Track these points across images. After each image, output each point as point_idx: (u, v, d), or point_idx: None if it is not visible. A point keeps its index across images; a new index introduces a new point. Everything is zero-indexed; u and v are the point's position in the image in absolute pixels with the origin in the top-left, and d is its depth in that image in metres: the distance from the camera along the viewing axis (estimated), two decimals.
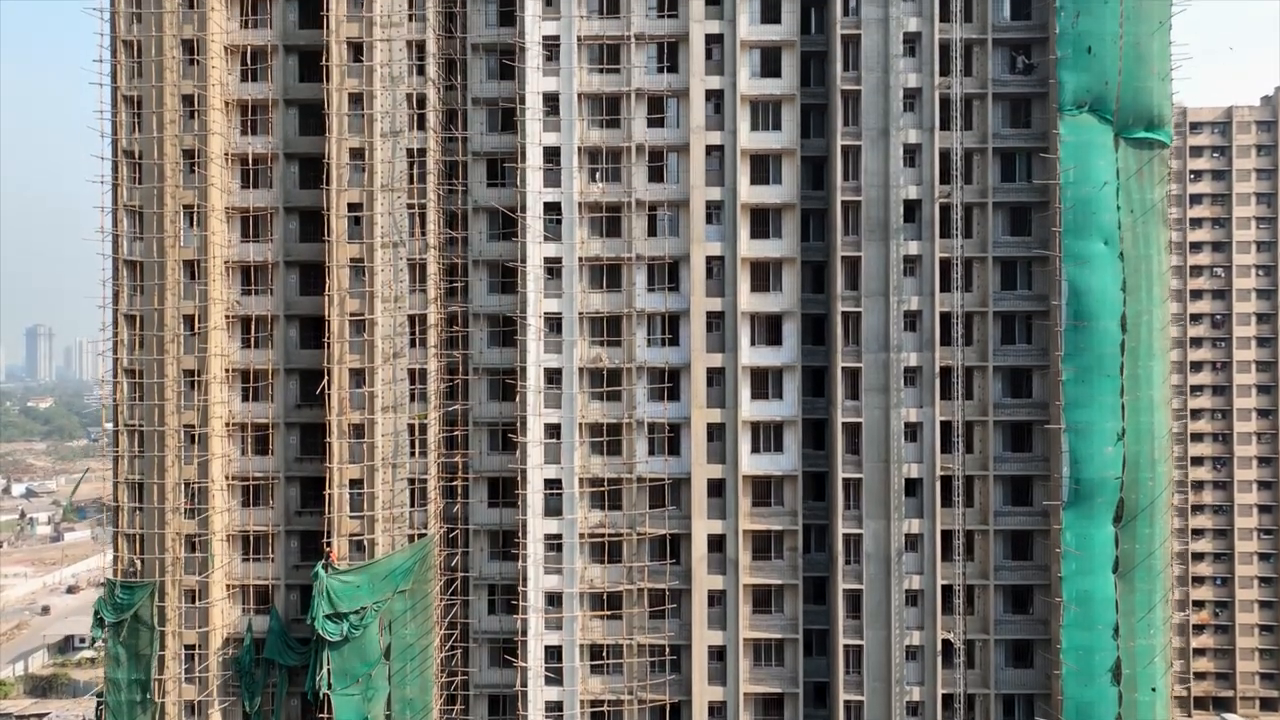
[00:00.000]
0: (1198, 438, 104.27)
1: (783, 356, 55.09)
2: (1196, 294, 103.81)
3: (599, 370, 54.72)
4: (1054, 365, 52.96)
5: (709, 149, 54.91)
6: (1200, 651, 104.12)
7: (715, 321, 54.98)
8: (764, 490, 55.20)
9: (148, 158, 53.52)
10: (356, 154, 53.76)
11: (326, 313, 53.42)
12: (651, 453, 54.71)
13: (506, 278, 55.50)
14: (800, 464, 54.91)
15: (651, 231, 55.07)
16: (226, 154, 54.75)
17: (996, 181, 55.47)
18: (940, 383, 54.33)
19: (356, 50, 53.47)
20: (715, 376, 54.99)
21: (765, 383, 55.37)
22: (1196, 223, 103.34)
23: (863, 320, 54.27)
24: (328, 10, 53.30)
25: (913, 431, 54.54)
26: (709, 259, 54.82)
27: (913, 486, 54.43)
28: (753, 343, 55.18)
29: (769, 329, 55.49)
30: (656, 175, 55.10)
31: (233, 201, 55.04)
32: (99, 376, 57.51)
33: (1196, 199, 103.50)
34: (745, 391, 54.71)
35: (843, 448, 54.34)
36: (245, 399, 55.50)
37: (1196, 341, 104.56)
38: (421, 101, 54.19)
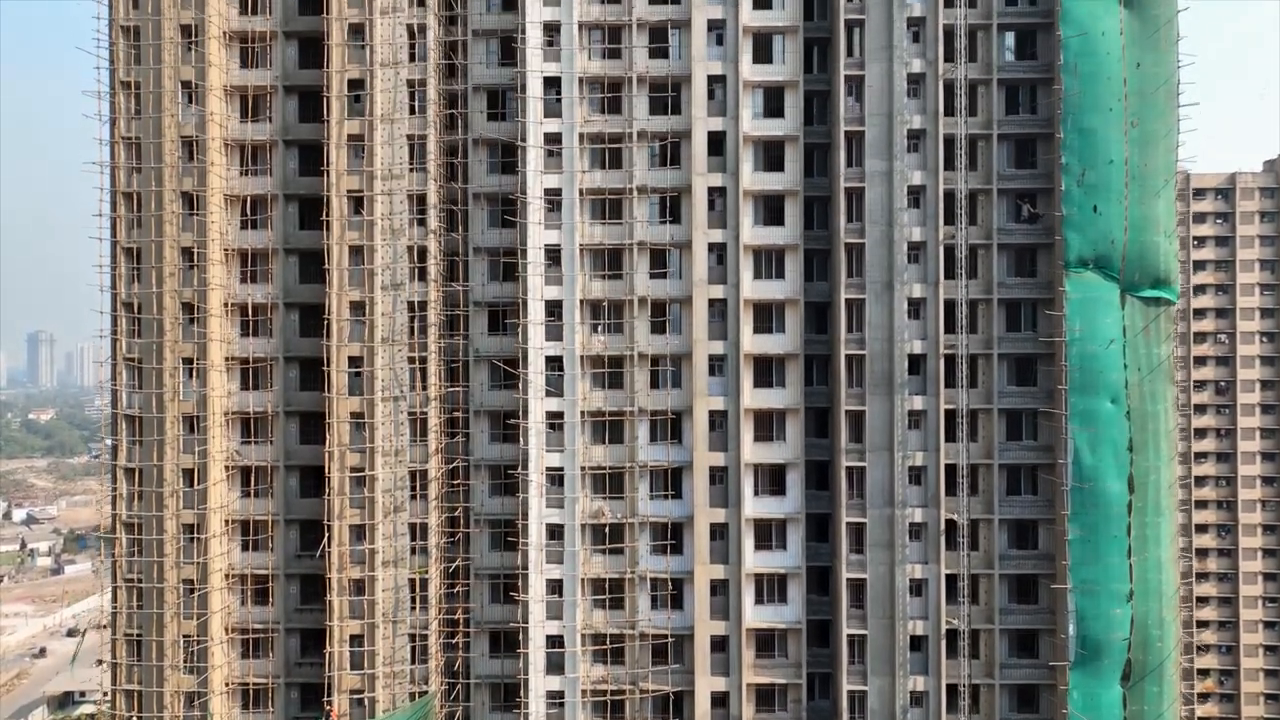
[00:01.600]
0: (1201, 507, 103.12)
1: (786, 507, 54.78)
2: (1201, 361, 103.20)
3: (601, 526, 54.47)
4: (1060, 522, 52.49)
5: (712, 301, 54.78)
6: None
7: (719, 529, 54.93)
8: (767, 643, 54.93)
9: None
10: (357, 308, 53.76)
11: (326, 467, 53.20)
12: (654, 607, 54.36)
13: (508, 429, 55.04)
14: (804, 614, 54.55)
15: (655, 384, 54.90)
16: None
17: (1001, 332, 55.03)
18: (945, 539, 53.95)
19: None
20: (718, 530, 54.66)
21: (769, 534, 55.07)
22: (1200, 289, 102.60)
23: (867, 475, 53.98)
24: (328, 164, 53.13)
25: (918, 587, 54.14)
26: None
27: (918, 642, 54.14)
28: (757, 493, 54.99)
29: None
30: (659, 328, 54.77)
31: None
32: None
33: (1200, 265, 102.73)
34: (749, 547, 54.51)
35: (847, 601, 54.04)
36: (245, 549, 55.15)
37: (1200, 409, 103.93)
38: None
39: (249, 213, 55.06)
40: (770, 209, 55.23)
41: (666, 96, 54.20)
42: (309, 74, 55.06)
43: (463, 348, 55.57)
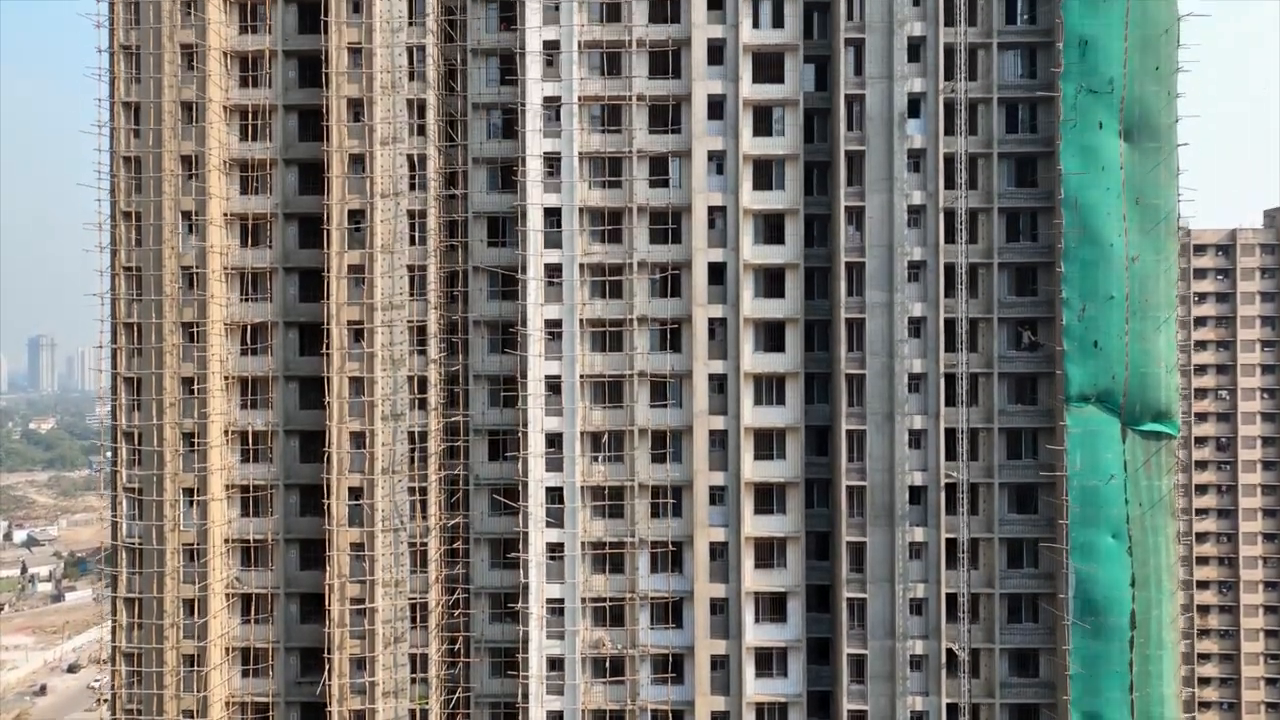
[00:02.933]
0: (1202, 561, 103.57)
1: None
2: (1201, 417, 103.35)
3: (601, 659, 54.50)
4: (1060, 655, 52.45)
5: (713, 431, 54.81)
6: None
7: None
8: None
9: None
10: (357, 437, 53.80)
11: (327, 599, 53.24)
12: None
13: (508, 558, 55.15)
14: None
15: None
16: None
17: (1003, 459, 54.98)
18: (946, 667, 54.08)
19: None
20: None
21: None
22: (1201, 345, 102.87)
23: (868, 605, 54.01)
24: (328, 295, 53.06)
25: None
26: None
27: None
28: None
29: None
30: (660, 458, 54.74)
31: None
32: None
33: (1201, 321, 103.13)
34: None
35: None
36: (246, 675, 55.12)
37: (1201, 465, 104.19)
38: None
39: (250, 340, 55.27)
40: (770, 335, 55.31)
41: (666, 228, 54.30)
42: (310, 200, 55.22)
43: (463, 477, 55.54)
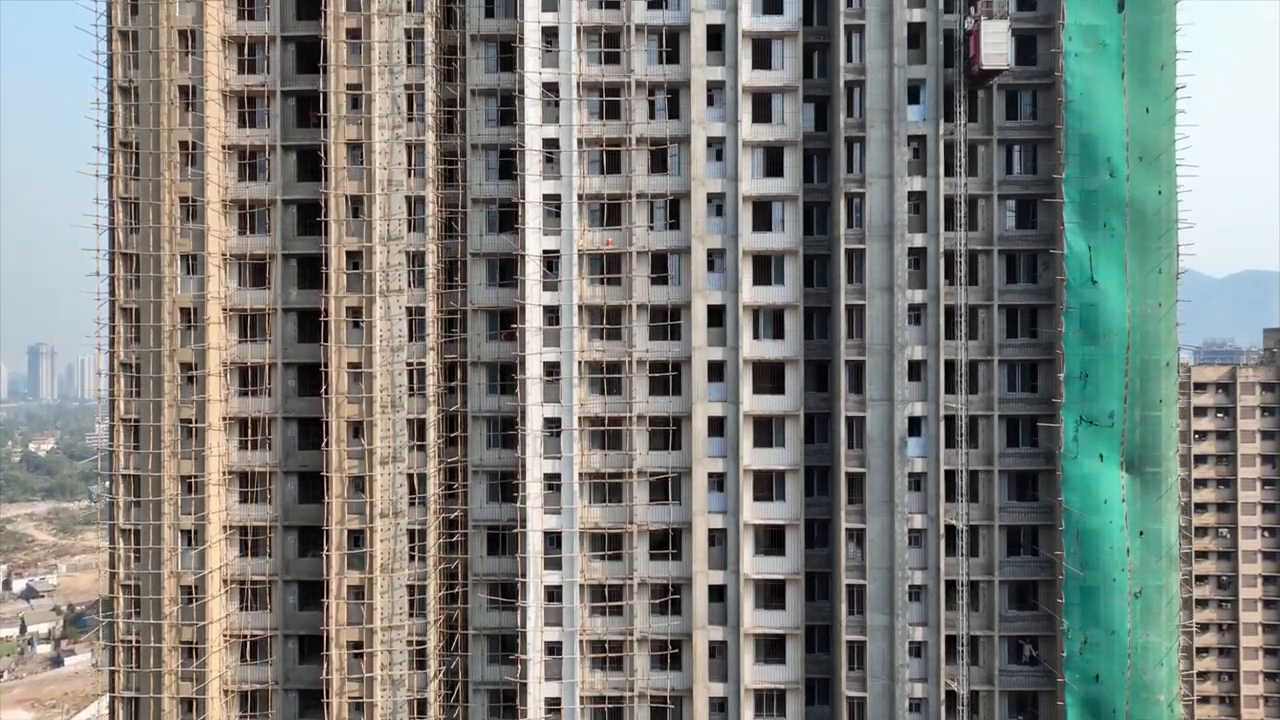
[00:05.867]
0: (1204, 700, 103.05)
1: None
2: (1202, 555, 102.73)
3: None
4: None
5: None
6: None
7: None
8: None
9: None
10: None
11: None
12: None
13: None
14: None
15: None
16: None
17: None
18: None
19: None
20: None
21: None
22: (1201, 483, 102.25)
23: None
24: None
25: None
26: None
27: None
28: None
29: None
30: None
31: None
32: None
33: (1201, 459, 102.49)
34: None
35: None
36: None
37: (1202, 603, 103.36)
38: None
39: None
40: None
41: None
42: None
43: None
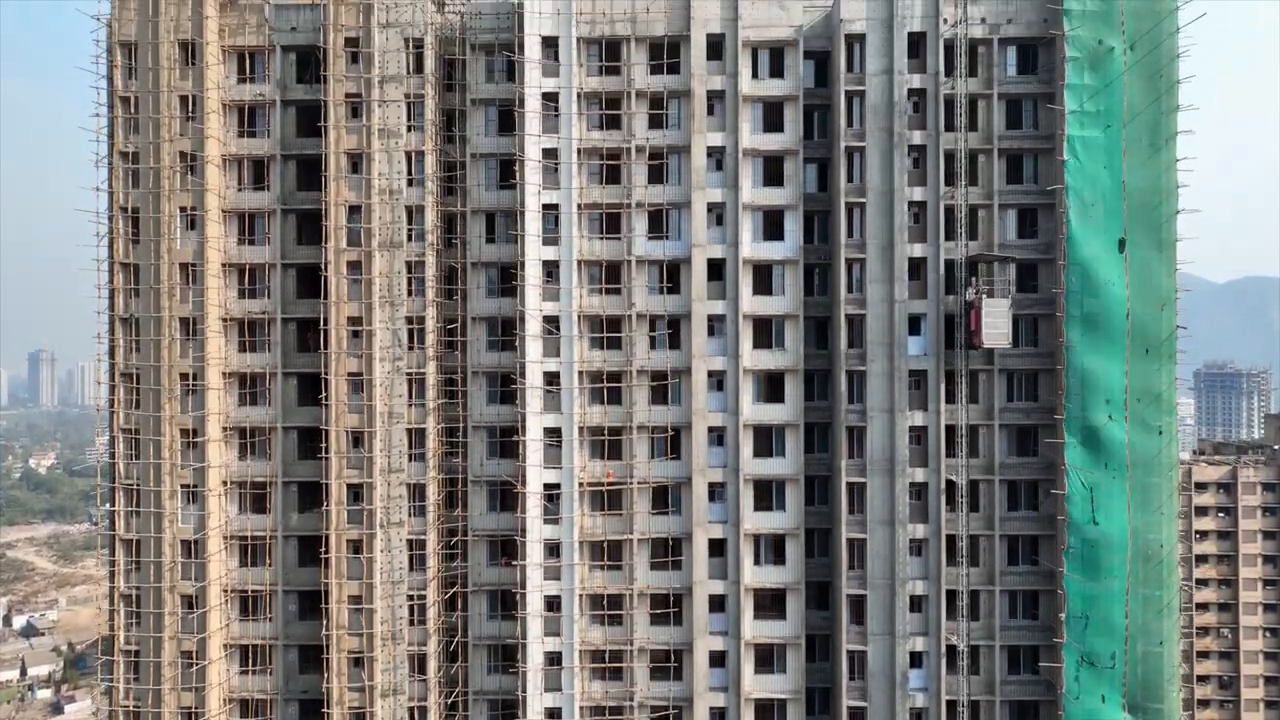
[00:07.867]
0: None
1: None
2: (1204, 654, 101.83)
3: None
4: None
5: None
6: None
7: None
8: None
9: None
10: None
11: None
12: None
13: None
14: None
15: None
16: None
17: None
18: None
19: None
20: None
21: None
22: (1203, 583, 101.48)
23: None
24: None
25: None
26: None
27: None
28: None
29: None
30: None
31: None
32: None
33: (1202, 559, 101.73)
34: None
35: None
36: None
37: (1204, 703, 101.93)
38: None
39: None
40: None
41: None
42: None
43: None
